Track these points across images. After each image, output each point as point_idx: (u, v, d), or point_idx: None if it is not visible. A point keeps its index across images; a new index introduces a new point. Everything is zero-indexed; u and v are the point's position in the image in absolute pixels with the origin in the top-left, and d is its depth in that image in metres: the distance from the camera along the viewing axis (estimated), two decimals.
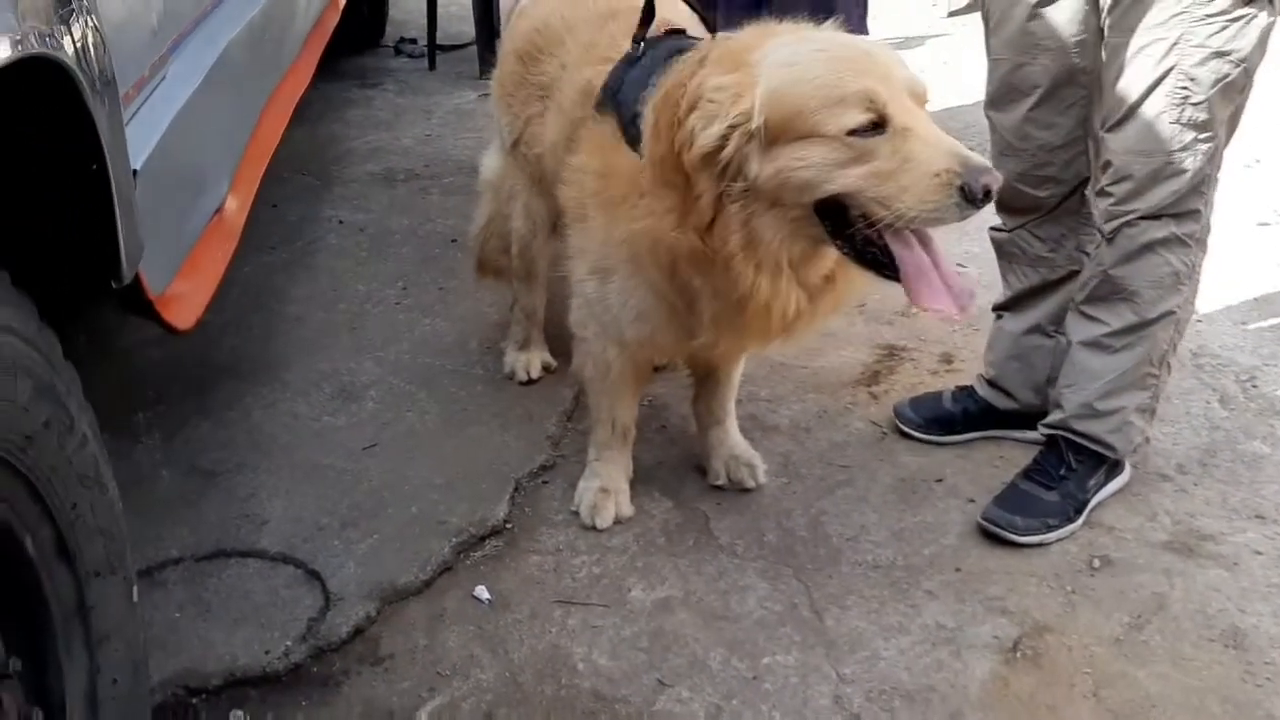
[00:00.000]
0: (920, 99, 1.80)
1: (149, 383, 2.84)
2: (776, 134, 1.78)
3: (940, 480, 2.52)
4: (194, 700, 1.97)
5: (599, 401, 2.42)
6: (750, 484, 2.48)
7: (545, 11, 2.57)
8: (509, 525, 2.39)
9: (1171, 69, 2.12)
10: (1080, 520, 2.35)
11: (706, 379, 2.49)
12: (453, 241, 3.71)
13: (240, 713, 1.94)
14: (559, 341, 3.00)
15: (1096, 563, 2.27)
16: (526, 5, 2.81)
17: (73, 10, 1.39)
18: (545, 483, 2.54)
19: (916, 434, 2.65)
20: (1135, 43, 2.16)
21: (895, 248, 1.81)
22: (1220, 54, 2.11)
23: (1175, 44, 2.11)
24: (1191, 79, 2.12)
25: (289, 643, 2.07)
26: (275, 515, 2.40)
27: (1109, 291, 2.30)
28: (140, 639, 1.59)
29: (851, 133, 1.73)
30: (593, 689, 1.98)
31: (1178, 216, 2.22)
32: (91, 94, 1.35)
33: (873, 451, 2.63)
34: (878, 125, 1.73)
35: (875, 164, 1.73)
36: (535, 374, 2.91)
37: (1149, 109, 2.16)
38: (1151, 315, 2.28)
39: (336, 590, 2.19)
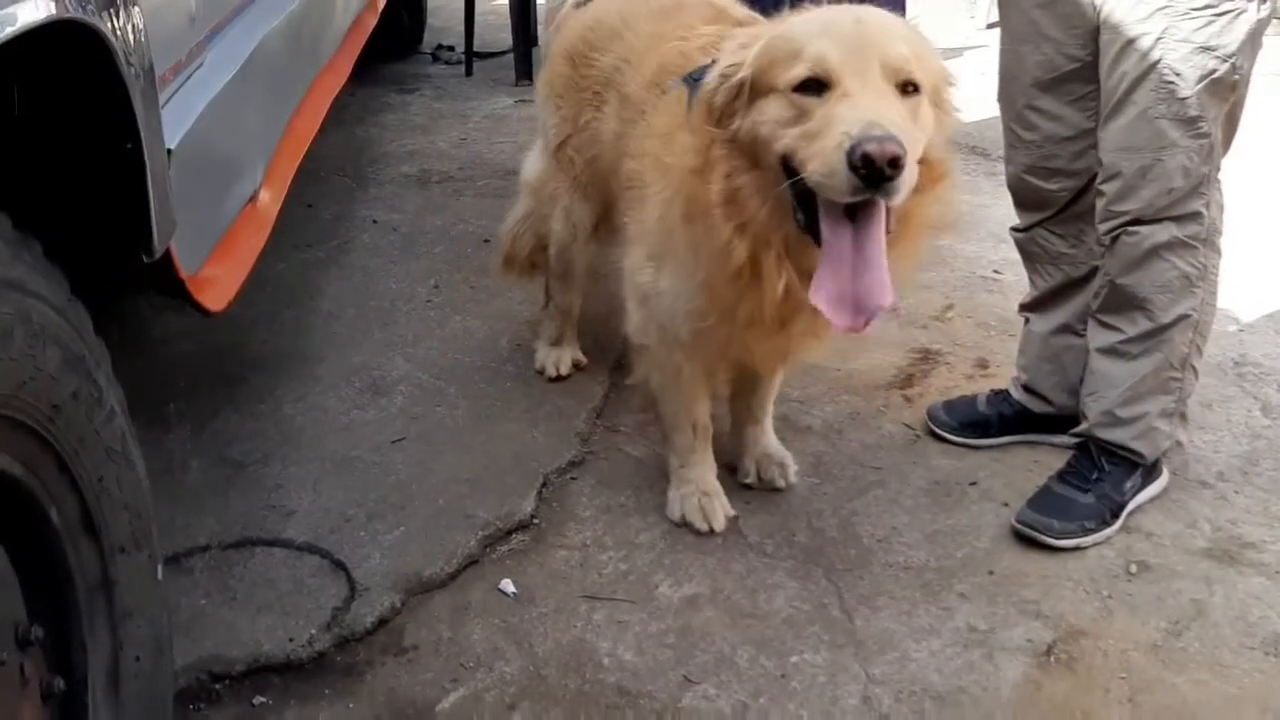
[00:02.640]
0: (895, 74, 1.70)
1: (181, 374, 2.85)
2: (756, 88, 1.78)
3: (974, 483, 2.48)
4: (218, 686, 1.95)
5: (673, 408, 2.35)
6: (780, 484, 2.45)
7: (597, 11, 2.59)
8: (536, 520, 2.37)
9: (1156, 63, 2.09)
10: (1117, 524, 2.30)
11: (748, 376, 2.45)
12: (485, 242, 3.71)
13: (263, 699, 1.94)
14: (591, 339, 3.00)
15: (1134, 568, 2.22)
16: (573, 10, 2.82)
17: None
18: (574, 479, 2.52)
19: (950, 437, 2.62)
20: (1123, 37, 2.13)
21: (823, 223, 1.72)
22: (1206, 49, 2.08)
23: (1160, 38, 2.09)
24: (1177, 74, 2.09)
25: (313, 631, 2.06)
26: (302, 506, 2.39)
27: (1121, 300, 2.27)
28: (164, 617, 1.59)
29: (796, 90, 1.70)
30: (617, 684, 1.96)
31: (1178, 219, 2.19)
32: (125, 63, 1.35)
33: (906, 454, 2.60)
34: (819, 85, 1.68)
35: (807, 124, 1.68)
36: (565, 370, 2.90)
37: (1135, 104, 2.13)
38: (1166, 320, 2.24)
39: (362, 580, 2.18)
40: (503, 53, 6.02)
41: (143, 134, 1.43)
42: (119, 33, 1.37)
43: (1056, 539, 2.26)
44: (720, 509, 2.35)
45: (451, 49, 6.22)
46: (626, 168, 2.25)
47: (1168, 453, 2.40)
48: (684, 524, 2.34)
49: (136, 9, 1.50)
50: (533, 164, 2.85)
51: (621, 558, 2.27)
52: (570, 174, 2.63)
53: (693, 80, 2.05)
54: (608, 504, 2.43)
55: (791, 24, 1.81)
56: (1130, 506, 2.34)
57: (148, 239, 1.50)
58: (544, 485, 2.48)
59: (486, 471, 2.52)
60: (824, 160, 1.63)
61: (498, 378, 2.93)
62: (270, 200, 2.40)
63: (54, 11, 1.18)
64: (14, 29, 1.08)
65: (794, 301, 1.88)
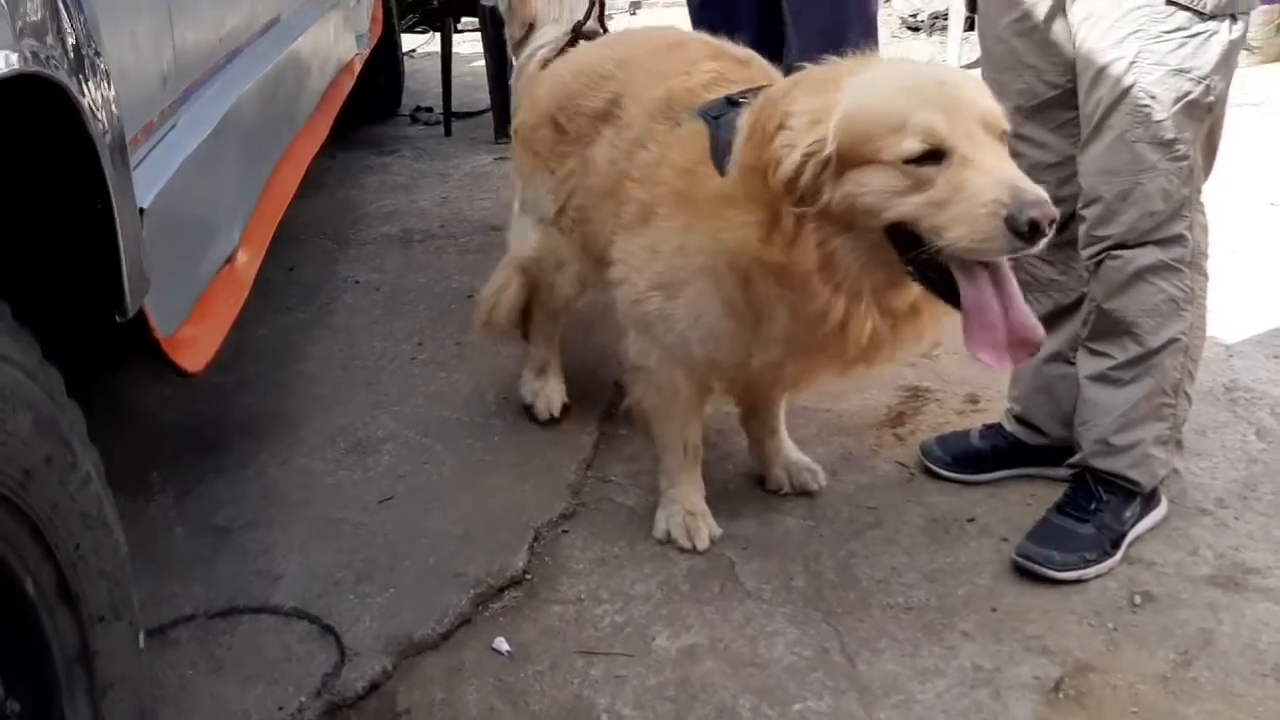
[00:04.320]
0: (995, 130, 1.80)
1: (164, 442, 2.81)
2: (845, 160, 1.80)
3: (972, 520, 2.45)
4: None
5: (666, 429, 2.40)
6: (814, 487, 2.53)
7: (579, 63, 2.60)
8: (528, 575, 2.33)
9: (1131, 87, 2.10)
10: (1118, 555, 2.27)
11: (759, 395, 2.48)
12: (469, 297, 3.68)
13: None
14: (578, 389, 2.97)
15: (1138, 599, 2.19)
16: (540, 70, 2.82)
17: (70, 35, 1.38)
18: (565, 531, 2.47)
19: (945, 473, 2.58)
20: (1097, 63, 2.13)
21: (959, 280, 1.80)
22: (1180, 71, 2.08)
23: (1134, 62, 2.09)
24: (1152, 97, 2.09)
25: (303, 699, 2.00)
26: (290, 571, 2.34)
27: (1109, 325, 2.26)
28: (147, 688, 1.53)
29: (909, 161, 1.75)
30: None
31: (1161, 243, 2.18)
32: (93, 119, 1.33)
33: (901, 493, 2.56)
34: (935, 155, 1.74)
35: (931, 193, 1.74)
36: (556, 410, 2.90)
37: (1112, 128, 2.14)
38: (1155, 344, 2.22)
39: (352, 645, 2.13)
40: (481, 112, 6.05)
41: (112, 192, 1.41)
42: (87, 91, 1.36)
43: (1058, 571, 2.22)
44: (705, 528, 2.38)
45: (430, 110, 6.25)
46: (628, 192, 2.25)
47: (1165, 481, 2.38)
48: (668, 540, 2.38)
49: (104, 67, 1.49)
50: (525, 239, 2.76)
51: (617, 610, 2.22)
52: (576, 239, 2.60)
53: (711, 118, 2.09)
54: (601, 556, 2.38)
55: (869, 94, 1.82)
56: (1130, 536, 2.31)
57: (120, 298, 1.48)
58: (535, 539, 2.43)
59: (477, 528, 2.47)
60: (972, 225, 1.70)
61: (485, 432, 2.89)
62: (248, 260, 2.38)
63: (17, 66, 1.16)
64: None
65: (876, 339, 1.96)
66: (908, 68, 1.93)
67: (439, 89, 5.99)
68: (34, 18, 1.23)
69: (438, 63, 5.96)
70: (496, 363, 3.25)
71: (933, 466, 2.60)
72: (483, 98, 6.02)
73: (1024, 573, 2.25)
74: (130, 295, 1.49)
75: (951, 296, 1.83)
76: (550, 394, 2.90)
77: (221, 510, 2.55)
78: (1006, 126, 1.82)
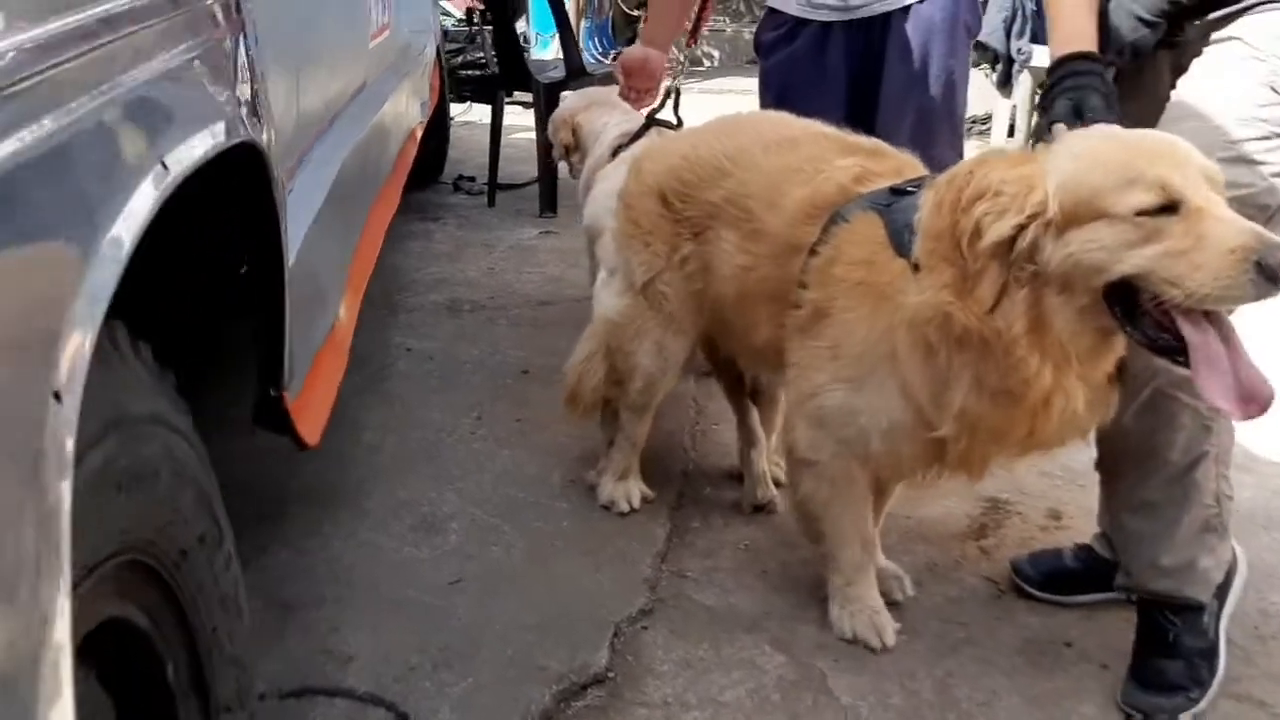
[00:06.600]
0: (1216, 184, 1.77)
1: (227, 510, 2.71)
2: (1068, 219, 1.78)
3: (1069, 644, 2.36)
4: None
5: (840, 524, 2.33)
6: (898, 596, 2.47)
7: (686, 148, 2.56)
8: (611, 674, 2.23)
9: None
10: (1220, 668, 2.18)
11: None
12: (524, 373, 3.65)
13: None
14: (647, 479, 2.89)
15: None
16: (645, 151, 2.79)
17: (257, 99, 1.33)
18: (645, 628, 2.38)
19: (1036, 592, 2.49)
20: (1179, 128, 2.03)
21: (1186, 332, 1.76)
22: (1249, 162, 1.96)
23: (1211, 144, 1.95)
24: None
25: None
26: (361, 652, 2.24)
27: (1132, 448, 2.16)
28: None
29: (1141, 213, 1.72)
30: None
31: None
32: (279, 185, 1.28)
33: (991, 610, 2.48)
34: (1168, 207, 1.72)
35: (1168, 243, 1.71)
36: (636, 504, 2.82)
37: None
38: (1185, 462, 2.11)
39: None
40: (525, 184, 6.04)
41: (286, 257, 1.35)
42: (272, 154, 1.31)
43: (1171, 717, 2.13)
44: (889, 625, 2.34)
45: (472, 179, 6.25)
46: (799, 296, 2.22)
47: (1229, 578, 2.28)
48: (855, 640, 2.34)
49: (274, 134, 1.44)
50: (611, 303, 2.73)
51: (707, 717, 2.12)
52: (663, 310, 2.59)
53: (882, 206, 2.08)
54: (685, 657, 2.29)
55: (1090, 155, 1.81)
56: (1222, 630, 2.22)
57: (277, 370, 1.41)
58: (615, 635, 2.34)
59: (552, 618, 2.38)
60: (1218, 272, 1.67)
61: (553, 515, 2.81)
62: (346, 324, 2.32)
63: (224, 139, 1.11)
64: (199, 157, 1.00)
65: (1076, 414, 1.92)
66: (1119, 131, 1.89)
67: (479, 157, 6.00)
68: (242, 84, 1.19)
69: (474, 131, 5.96)
70: (558, 442, 3.18)
71: (1023, 585, 2.51)
72: (524, 170, 6.03)
73: None
74: (289, 368, 1.42)
75: (1171, 353, 1.79)
76: (630, 491, 2.84)
77: (288, 583, 2.45)
78: (1223, 181, 1.79)
